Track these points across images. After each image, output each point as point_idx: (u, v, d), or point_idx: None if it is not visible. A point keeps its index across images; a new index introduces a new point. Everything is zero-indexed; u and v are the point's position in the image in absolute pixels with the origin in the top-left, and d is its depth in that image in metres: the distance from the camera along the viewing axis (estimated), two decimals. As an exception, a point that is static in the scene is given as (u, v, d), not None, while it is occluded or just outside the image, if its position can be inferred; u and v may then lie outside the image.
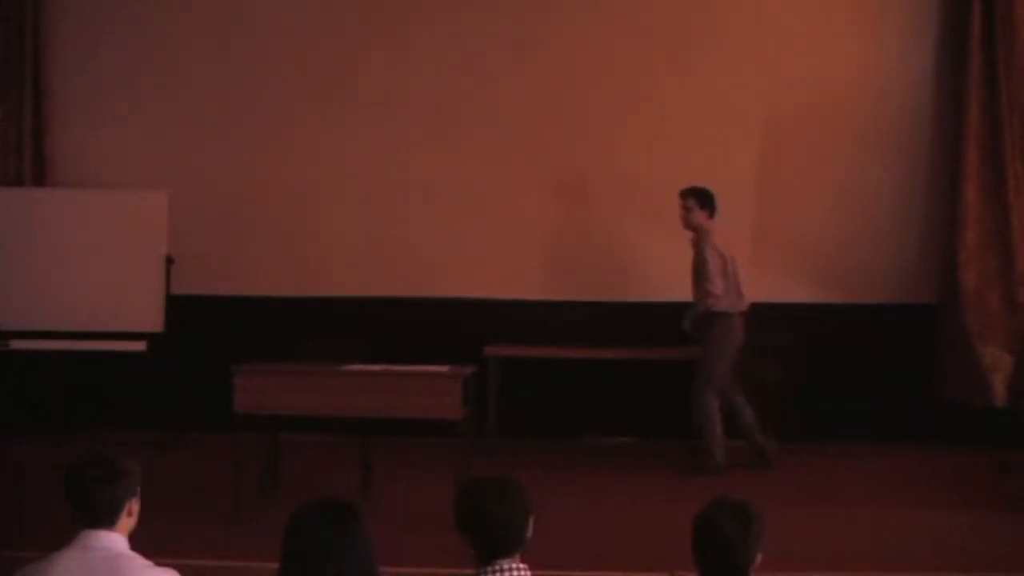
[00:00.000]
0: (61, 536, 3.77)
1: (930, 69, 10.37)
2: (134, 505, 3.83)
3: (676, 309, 9.89)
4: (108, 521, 3.74)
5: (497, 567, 3.63)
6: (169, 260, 10.11)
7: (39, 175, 10.77)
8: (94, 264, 10.07)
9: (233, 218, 10.70)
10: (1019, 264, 9.86)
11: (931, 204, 10.24)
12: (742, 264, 9.38)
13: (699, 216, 9.23)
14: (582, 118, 10.50)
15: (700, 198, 9.23)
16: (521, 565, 3.67)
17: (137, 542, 3.80)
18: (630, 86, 10.46)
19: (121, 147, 10.70)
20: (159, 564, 3.75)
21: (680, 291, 9.80)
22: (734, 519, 3.60)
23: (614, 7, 10.52)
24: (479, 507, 3.67)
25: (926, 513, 7.67)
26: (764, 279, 10.02)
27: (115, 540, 3.74)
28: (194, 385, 9.78)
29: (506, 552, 3.65)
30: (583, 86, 10.51)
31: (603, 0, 10.56)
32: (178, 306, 10.15)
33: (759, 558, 3.64)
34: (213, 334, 10.23)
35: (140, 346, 9.98)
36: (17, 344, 9.98)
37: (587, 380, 10.17)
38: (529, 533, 3.72)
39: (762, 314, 9.81)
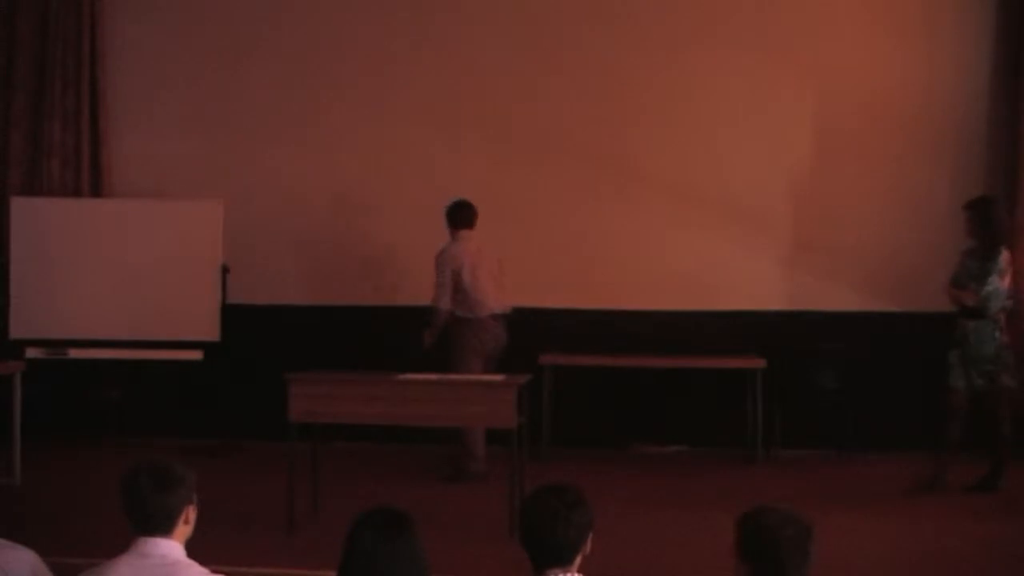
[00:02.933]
0: (119, 543, 3.78)
1: (986, 73, 10.27)
2: (191, 513, 3.83)
3: (728, 318, 10.03)
4: (165, 528, 3.75)
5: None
6: (225, 269, 10.19)
7: (96, 185, 10.89)
8: (151, 274, 10.16)
9: (288, 227, 10.79)
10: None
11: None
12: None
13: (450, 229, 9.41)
14: (631, 125, 10.49)
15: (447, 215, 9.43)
16: (575, 575, 3.66)
17: (192, 550, 3.82)
18: (680, 91, 10.48)
19: (177, 157, 10.81)
20: (215, 572, 3.75)
21: (731, 300, 10.07)
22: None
23: (666, 9, 10.54)
24: (538, 520, 3.66)
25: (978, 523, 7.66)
26: (814, 286, 10.17)
27: (172, 547, 3.75)
28: (249, 393, 9.87)
29: (560, 564, 3.64)
30: (631, 92, 10.51)
31: (668, 4, 10.58)
32: (234, 315, 10.23)
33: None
34: (268, 343, 10.30)
35: (197, 355, 10.08)
36: (76, 353, 10.09)
37: (639, 389, 10.18)
38: (588, 547, 3.70)
39: (816, 322, 9.85)
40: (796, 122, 10.42)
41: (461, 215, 9.41)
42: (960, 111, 10.25)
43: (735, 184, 10.35)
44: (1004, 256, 8.51)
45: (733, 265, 10.26)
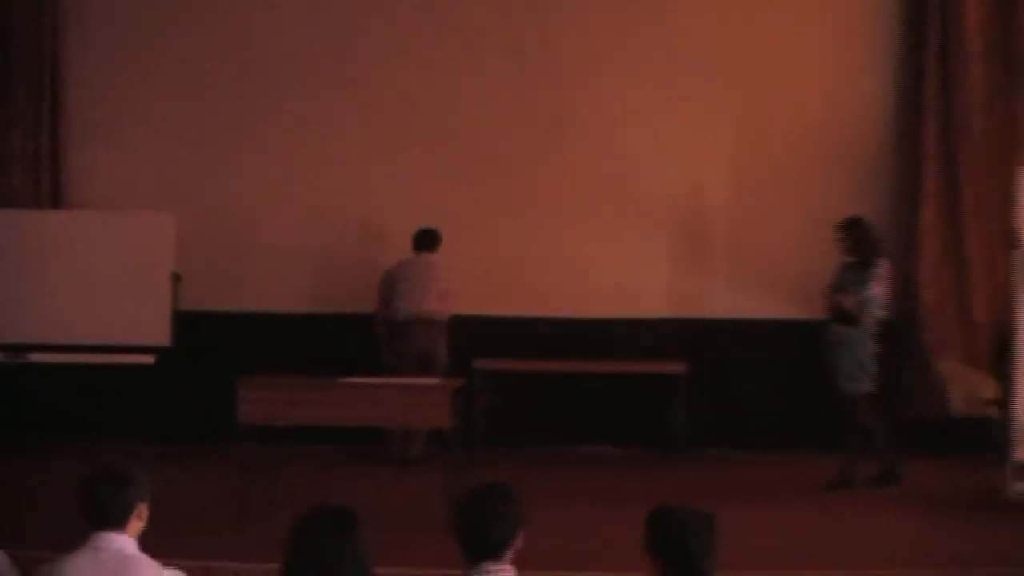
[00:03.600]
0: (76, 539, 3.97)
1: (891, 96, 10.75)
2: (143, 509, 4.00)
3: (653, 325, 10.54)
4: (118, 523, 3.91)
5: (483, 570, 3.79)
6: (176, 277, 10.48)
7: (56, 195, 11.07)
8: (106, 281, 10.38)
9: (239, 236, 11.02)
10: (973, 282, 10.33)
11: (892, 226, 10.53)
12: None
13: None
14: (562, 142, 10.83)
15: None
16: (506, 567, 3.83)
17: (145, 547, 3.99)
18: (606, 110, 10.83)
19: (134, 168, 10.98)
20: (167, 566, 3.96)
21: (662, 306, 10.55)
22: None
23: (590, 32, 10.91)
24: (472, 516, 3.85)
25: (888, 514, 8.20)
26: (735, 294, 10.64)
27: (125, 542, 3.91)
28: (200, 397, 10.09)
29: (492, 558, 3.81)
30: (559, 110, 10.84)
31: (590, 26, 10.93)
32: (185, 321, 10.49)
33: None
34: (218, 348, 10.49)
35: (148, 359, 10.32)
36: (34, 357, 10.35)
37: (569, 392, 10.50)
38: (519, 542, 3.87)
39: (736, 328, 10.34)
40: (714, 140, 10.83)
41: (415, 240, 10.20)
42: (865, 125, 10.73)
43: (661, 198, 10.76)
44: (883, 265, 9.01)
45: (658, 275, 10.72)
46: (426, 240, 10.28)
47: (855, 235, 9.14)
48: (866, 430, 9.04)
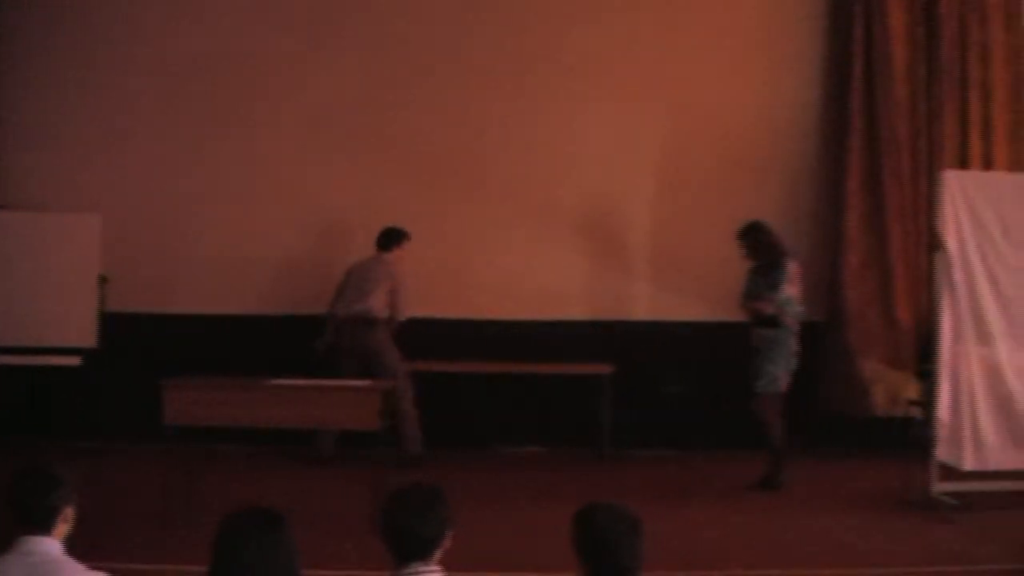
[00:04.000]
0: (3, 543, 3.91)
1: (816, 103, 10.93)
2: (69, 513, 3.98)
3: (582, 327, 10.61)
4: (44, 527, 3.88)
5: (412, 570, 3.77)
6: (103, 279, 10.44)
7: None
8: (32, 283, 10.34)
9: (165, 238, 10.97)
10: (897, 285, 10.48)
11: (818, 228, 10.76)
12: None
13: None
14: (497, 149, 10.94)
15: None
16: (435, 568, 3.81)
17: (71, 549, 3.96)
18: (542, 118, 10.92)
19: (62, 170, 10.94)
20: (93, 568, 3.90)
21: (589, 310, 10.59)
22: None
23: (528, 40, 10.97)
24: (400, 516, 3.81)
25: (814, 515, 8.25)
26: (661, 298, 10.76)
27: (51, 545, 3.88)
28: (126, 398, 9.94)
29: (421, 558, 3.79)
30: (498, 117, 10.94)
31: (518, 33, 10.99)
32: (112, 323, 10.45)
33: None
34: (145, 349, 10.42)
35: (75, 360, 10.28)
36: None
37: (499, 393, 10.49)
38: (447, 542, 3.85)
39: (662, 331, 10.42)
40: (640, 145, 10.96)
41: (377, 239, 10.22)
42: (795, 139, 10.90)
43: (587, 204, 10.88)
44: (790, 266, 9.11)
45: (584, 279, 10.80)
46: (383, 239, 10.27)
47: (753, 240, 9.28)
48: (762, 428, 9.15)
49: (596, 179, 10.93)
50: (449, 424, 10.38)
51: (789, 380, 9.16)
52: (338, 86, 11.01)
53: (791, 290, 9.11)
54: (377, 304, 10.04)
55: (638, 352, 10.62)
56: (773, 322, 9.08)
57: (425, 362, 10.33)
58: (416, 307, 10.23)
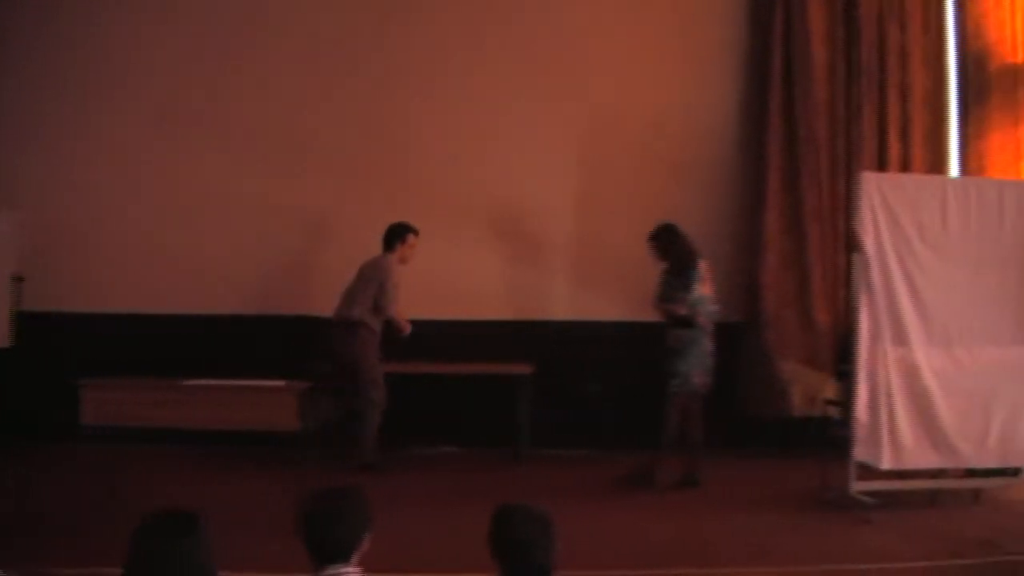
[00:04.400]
0: None
1: (737, 104, 11.00)
2: None
3: (501, 327, 10.64)
4: None
5: (332, 572, 3.82)
6: (18, 278, 10.32)
7: None
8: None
9: (82, 237, 10.91)
10: (815, 286, 10.59)
11: (737, 229, 10.83)
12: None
13: None
14: (413, 144, 10.98)
15: None
16: (354, 569, 3.85)
17: None
18: (460, 115, 11.00)
19: None
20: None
21: (507, 310, 10.65)
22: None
23: (446, 39, 11.06)
24: (318, 518, 3.87)
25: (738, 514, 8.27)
26: (580, 298, 10.84)
27: None
28: (43, 397, 9.91)
29: (339, 560, 3.83)
30: (412, 115, 11.00)
31: (437, 31, 11.07)
32: (27, 322, 10.33)
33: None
34: (62, 349, 10.36)
35: (-12, 359, 10.18)
36: None
37: (417, 393, 10.41)
38: (366, 544, 3.89)
39: (581, 331, 10.50)
40: (565, 150, 11.03)
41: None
42: (715, 139, 10.97)
43: (510, 206, 10.94)
44: (701, 265, 9.19)
45: (506, 279, 10.86)
46: (384, 237, 10.10)
47: (663, 243, 9.34)
48: (666, 427, 9.20)
49: (516, 179, 10.97)
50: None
51: (707, 380, 9.23)
52: (254, 90, 11.03)
53: (704, 290, 9.19)
54: (360, 309, 9.89)
55: (557, 352, 10.65)
56: (687, 323, 9.14)
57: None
58: (330, 308, 10.11)
